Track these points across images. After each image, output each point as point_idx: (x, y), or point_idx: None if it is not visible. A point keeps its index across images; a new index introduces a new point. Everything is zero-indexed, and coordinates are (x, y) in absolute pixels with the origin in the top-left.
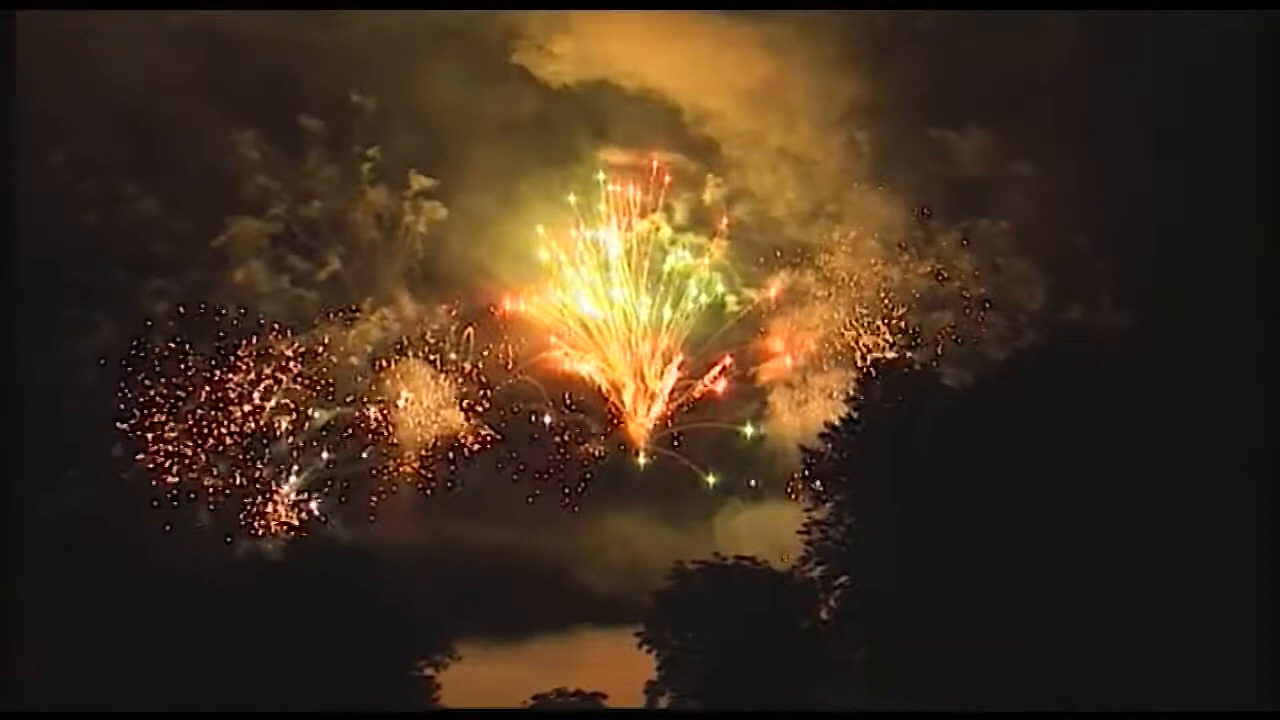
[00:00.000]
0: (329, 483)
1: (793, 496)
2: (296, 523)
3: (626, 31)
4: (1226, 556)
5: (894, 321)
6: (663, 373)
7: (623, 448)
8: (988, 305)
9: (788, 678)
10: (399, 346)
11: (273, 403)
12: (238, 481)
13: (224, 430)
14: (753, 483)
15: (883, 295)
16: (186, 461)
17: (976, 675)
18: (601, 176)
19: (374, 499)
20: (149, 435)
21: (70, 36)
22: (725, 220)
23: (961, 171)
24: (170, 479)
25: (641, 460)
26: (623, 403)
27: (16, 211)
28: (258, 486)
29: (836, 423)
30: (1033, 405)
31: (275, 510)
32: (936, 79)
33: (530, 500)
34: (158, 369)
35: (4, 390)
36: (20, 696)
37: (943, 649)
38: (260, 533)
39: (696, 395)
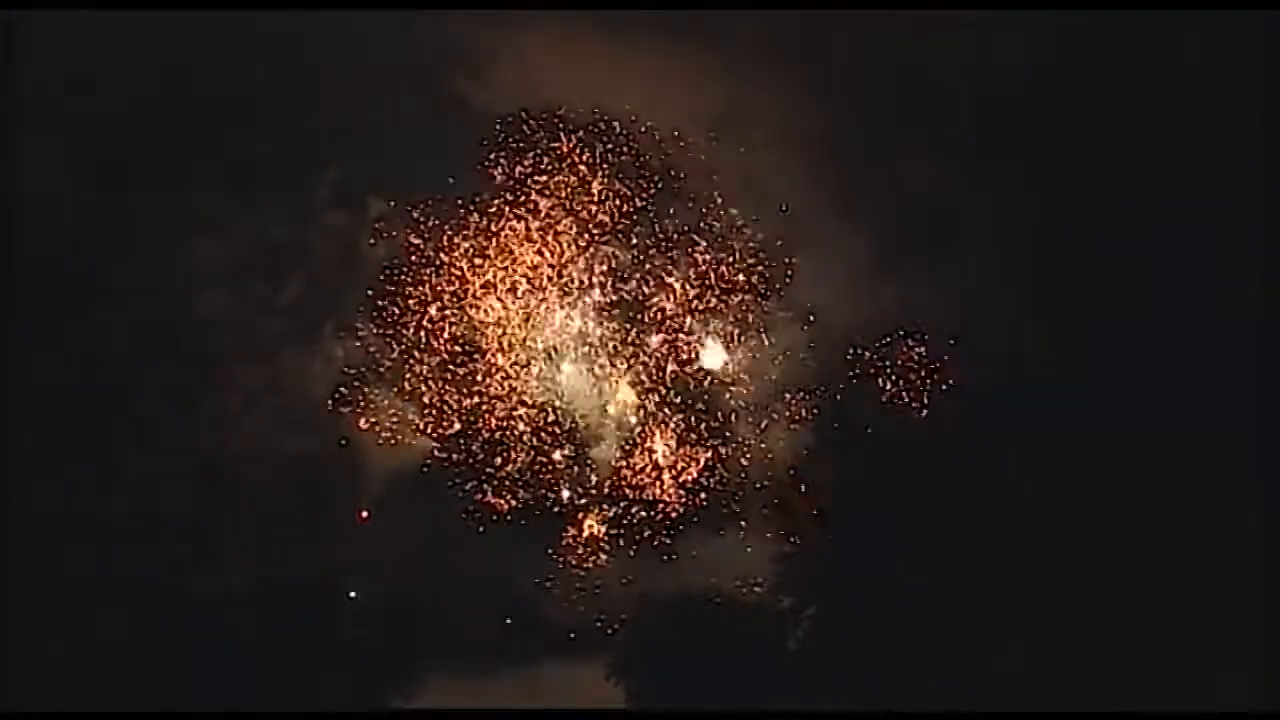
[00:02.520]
0: (293, 513)
1: (759, 527)
2: (261, 554)
3: (575, 58)
4: (1218, 564)
5: (860, 350)
6: (625, 401)
7: (586, 477)
8: (954, 335)
9: (756, 708)
10: (362, 374)
11: (237, 431)
12: (203, 512)
13: (188, 459)
14: (718, 513)
15: (848, 324)
16: (150, 492)
17: (949, 703)
18: (550, 203)
19: (338, 530)
20: (112, 464)
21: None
22: (687, 248)
23: (926, 199)
24: (133, 509)
25: (606, 489)
26: (586, 431)
27: None
28: (224, 517)
29: (803, 452)
30: (1003, 435)
31: (241, 541)
32: (899, 106)
33: (495, 531)
34: (118, 397)
35: None
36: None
37: (915, 679)
38: (224, 564)
39: (659, 423)
